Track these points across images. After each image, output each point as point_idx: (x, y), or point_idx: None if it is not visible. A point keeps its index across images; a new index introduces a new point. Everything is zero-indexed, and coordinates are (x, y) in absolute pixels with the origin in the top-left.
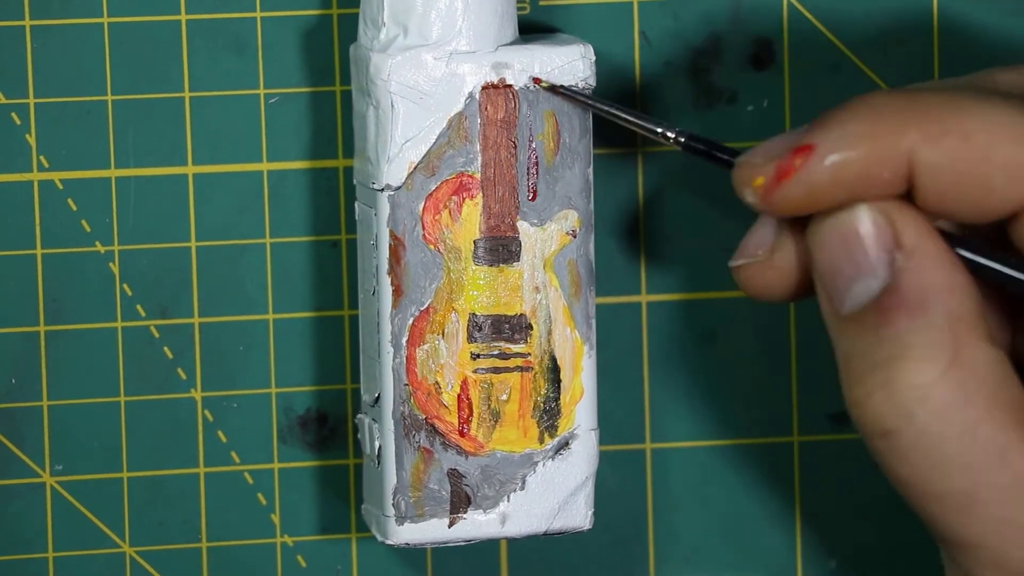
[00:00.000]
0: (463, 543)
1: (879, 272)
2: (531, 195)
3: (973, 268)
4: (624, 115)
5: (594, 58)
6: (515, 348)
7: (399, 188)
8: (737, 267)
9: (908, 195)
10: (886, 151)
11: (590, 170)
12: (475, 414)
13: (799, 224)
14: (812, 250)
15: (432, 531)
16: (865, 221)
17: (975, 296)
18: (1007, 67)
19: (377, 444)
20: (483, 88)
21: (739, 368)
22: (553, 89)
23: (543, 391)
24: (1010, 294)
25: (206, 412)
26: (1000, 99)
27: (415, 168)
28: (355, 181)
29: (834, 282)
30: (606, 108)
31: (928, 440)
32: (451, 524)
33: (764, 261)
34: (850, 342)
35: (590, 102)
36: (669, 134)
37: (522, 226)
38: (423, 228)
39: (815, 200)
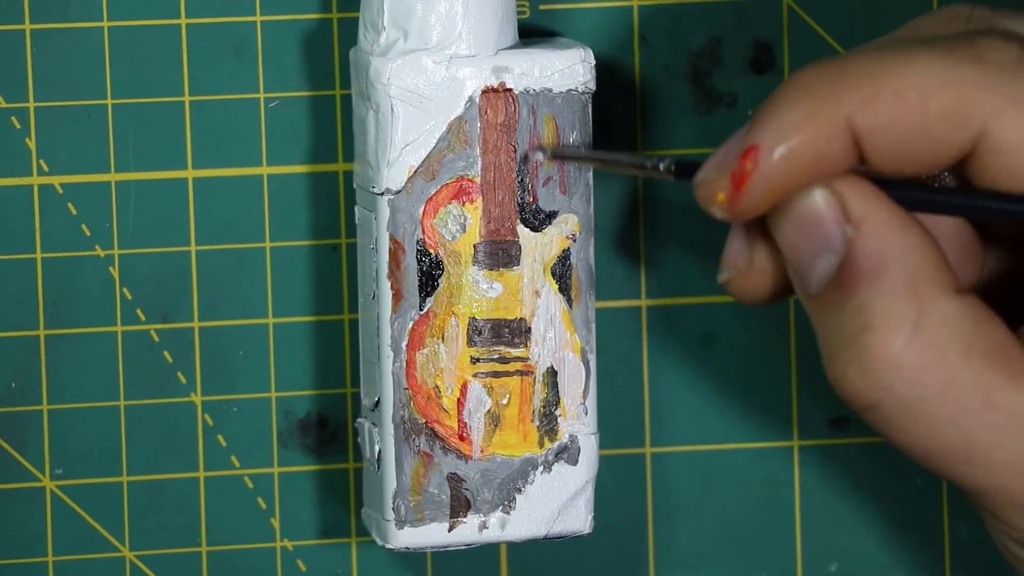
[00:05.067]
0: (463, 547)
1: (835, 246)
2: (531, 199)
3: (943, 209)
4: (615, 159)
5: (594, 62)
6: (515, 352)
7: (399, 192)
8: (725, 280)
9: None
10: (827, 127)
11: (590, 174)
12: (475, 418)
13: (765, 224)
14: (777, 240)
15: (432, 535)
16: (816, 200)
17: (934, 251)
18: (928, 13)
19: (377, 448)
20: (483, 92)
21: (739, 372)
22: (556, 156)
23: (543, 395)
24: (982, 226)
25: (206, 416)
26: (924, 48)
27: (415, 172)
28: (355, 185)
29: (799, 264)
30: (593, 157)
31: (910, 405)
32: (451, 528)
33: (746, 270)
34: (823, 320)
35: (580, 157)
36: (660, 166)
37: (522, 230)
38: (423, 232)
39: (778, 194)
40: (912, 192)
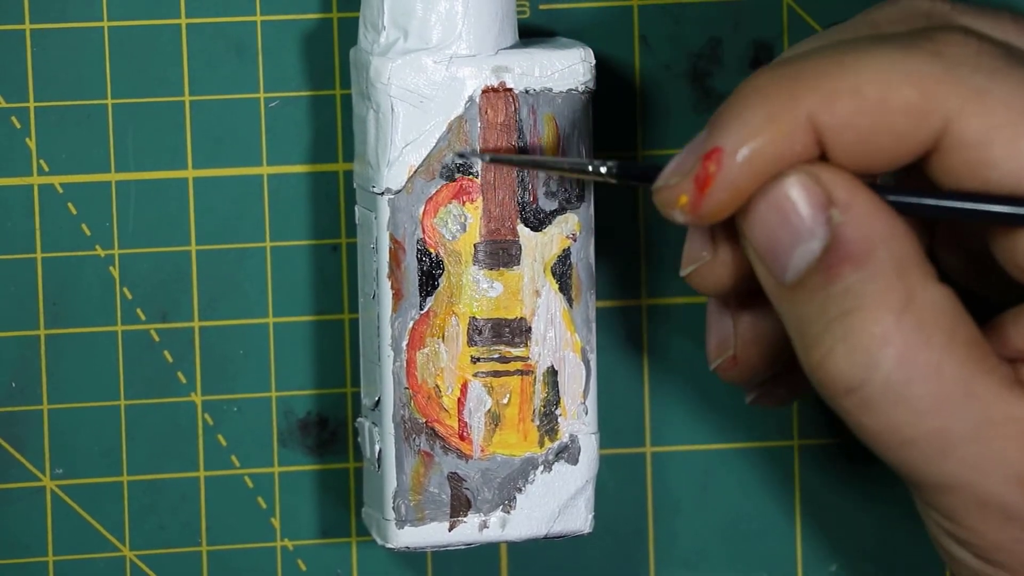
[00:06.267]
0: (463, 547)
1: (817, 232)
2: (531, 199)
3: (904, 211)
4: (553, 164)
5: (594, 62)
6: (515, 352)
7: (399, 192)
8: (688, 275)
9: (823, 158)
10: (788, 127)
11: None
12: (475, 417)
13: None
14: (746, 231)
15: (432, 535)
16: (795, 186)
17: (915, 239)
18: (888, 3)
19: (377, 448)
20: (483, 92)
21: None
22: (494, 160)
23: (543, 395)
24: (941, 226)
25: (206, 416)
26: (881, 43)
27: (415, 172)
28: (355, 185)
29: (774, 254)
30: (533, 161)
31: (895, 386)
32: (451, 528)
33: (711, 260)
34: (801, 308)
35: (517, 161)
36: (602, 169)
37: (522, 230)
38: (423, 232)
39: (743, 196)
40: (882, 191)
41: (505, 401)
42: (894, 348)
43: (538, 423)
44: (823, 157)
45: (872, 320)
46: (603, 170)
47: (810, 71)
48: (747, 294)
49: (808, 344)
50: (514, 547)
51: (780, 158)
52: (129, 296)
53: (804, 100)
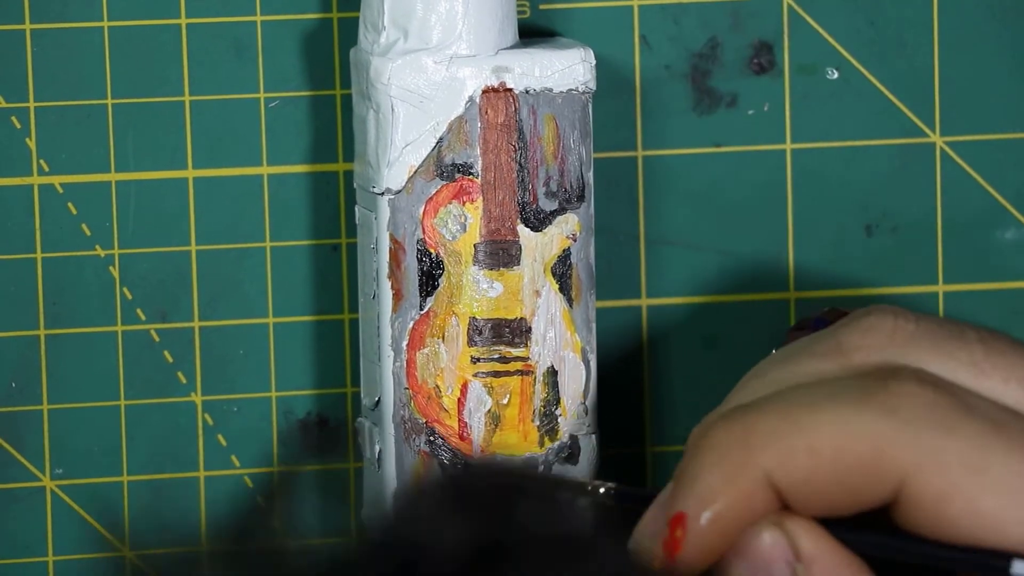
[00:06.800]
0: None
1: None
2: (531, 199)
3: (880, 551)
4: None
5: (594, 62)
6: (515, 352)
7: (399, 192)
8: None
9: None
10: (747, 488)
11: (590, 174)
12: (475, 418)
13: None
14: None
15: None
16: (765, 541)
17: None
18: (855, 319)
19: (377, 448)
20: (483, 92)
21: (740, 372)
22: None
23: (543, 395)
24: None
25: (206, 416)
26: (834, 398)
27: (415, 172)
28: (355, 185)
29: None
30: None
31: None
32: None
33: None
34: None
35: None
36: (600, 490)
37: (522, 230)
38: (423, 232)
39: (714, 553)
40: (850, 534)
41: (505, 401)
42: None
43: (538, 423)
44: (785, 507)
45: None
46: (601, 491)
47: (764, 428)
48: None
49: None
50: None
51: (743, 514)
52: (129, 296)
53: (760, 459)
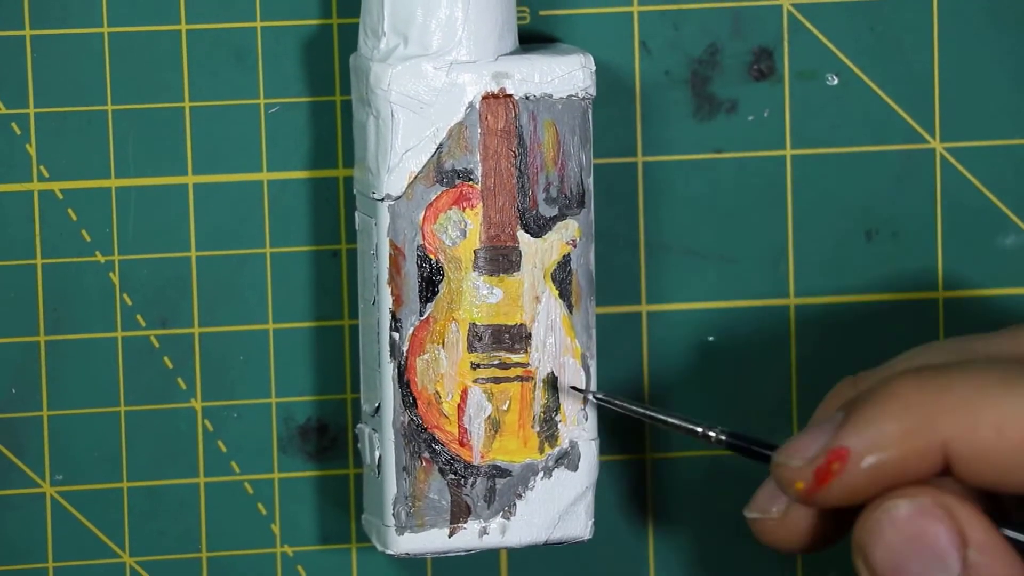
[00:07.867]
0: (463, 553)
1: (951, 567)
2: (531, 205)
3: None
4: (665, 418)
5: (594, 68)
6: (515, 358)
7: (399, 198)
8: (752, 519)
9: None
10: (921, 447)
11: (590, 180)
12: (475, 423)
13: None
14: (864, 546)
15: (432, 541)
16: (931, 519)
17: None
18: (986, 336)
19: (377, 454)
20: (483, 98)
21: (739, 378)
22: (604, 400)
23: (543, 401)
24: None
25: (206, 422)
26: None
27: (415, 178)
28: (355, 191)
29: (895, 573)
30: (650, 414)
31: None
32: (451, 534)
33: (778, 519)
34: None
35: (632, 408)
36: (711, 434)
37: (522, 236)
38: (423, 238)
39: (855, 498)
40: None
41: (505, 407)
42: None
43: (538, 429)
44: (946, 473)
45: None
46: (712, 435)
47: (954, 394)
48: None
49: None
50: (514, 553)
51: (905, 472)
52: (129, 302)
53: (943, 424)
